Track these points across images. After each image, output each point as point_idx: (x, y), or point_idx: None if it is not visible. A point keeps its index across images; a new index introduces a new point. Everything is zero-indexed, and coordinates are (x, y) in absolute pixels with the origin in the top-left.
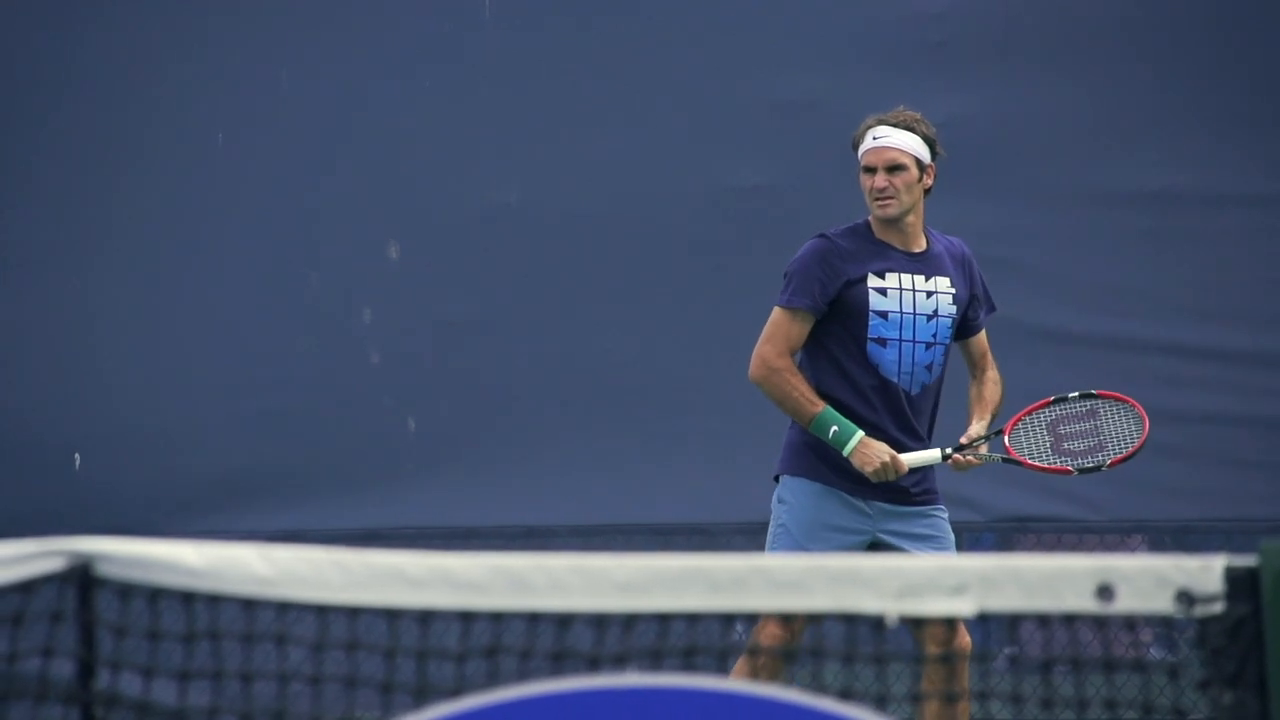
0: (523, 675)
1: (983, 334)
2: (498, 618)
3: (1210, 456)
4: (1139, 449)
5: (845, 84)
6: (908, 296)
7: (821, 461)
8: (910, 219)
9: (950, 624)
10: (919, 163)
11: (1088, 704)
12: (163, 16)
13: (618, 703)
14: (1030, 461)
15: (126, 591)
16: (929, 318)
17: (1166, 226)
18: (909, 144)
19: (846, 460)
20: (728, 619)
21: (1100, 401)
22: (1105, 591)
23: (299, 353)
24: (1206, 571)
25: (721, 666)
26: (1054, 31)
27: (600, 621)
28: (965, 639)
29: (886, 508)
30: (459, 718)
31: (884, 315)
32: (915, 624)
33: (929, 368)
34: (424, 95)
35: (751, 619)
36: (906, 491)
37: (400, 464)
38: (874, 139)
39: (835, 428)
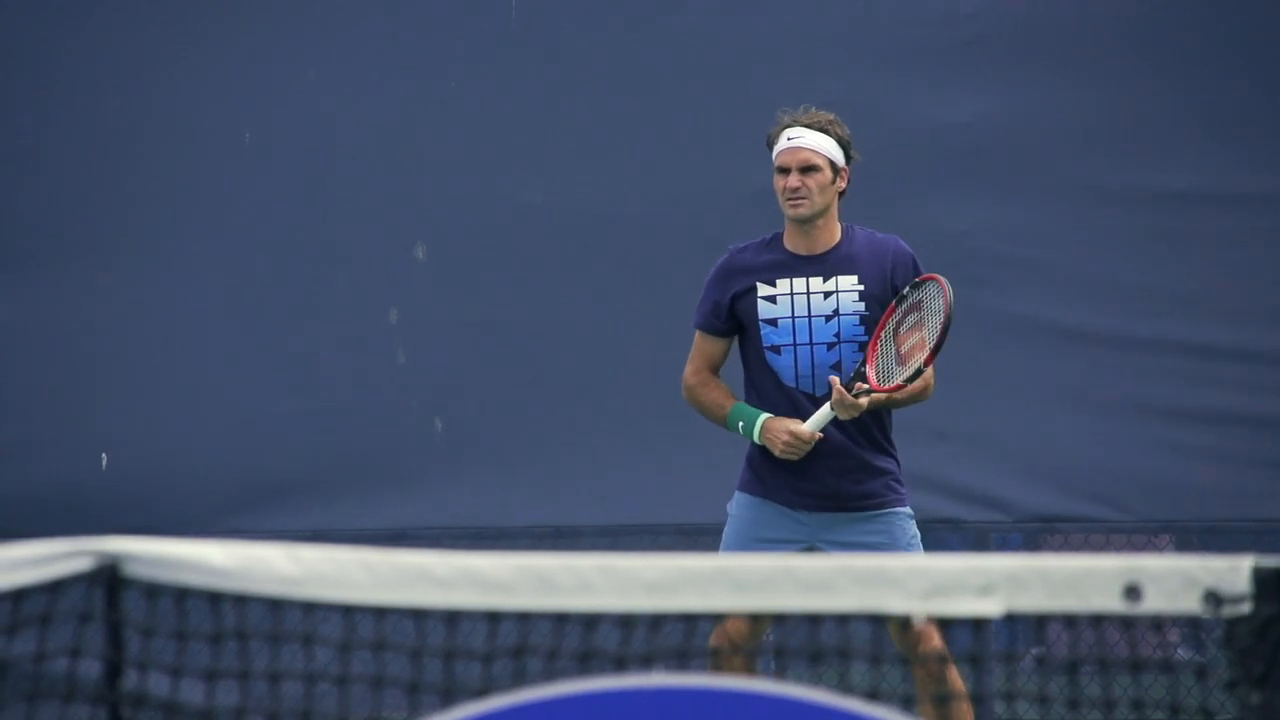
0: (549, 675)
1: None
2: (524, 618)
3: (1238, 456)
4: (943, 334)
5: (872, 83)
6: (800, 300)
7: (759, 475)
8: (820, 221)
9: (908, 624)
10: (833, 164)
11: (1115, 704)
12: (188, 15)
13: (644, 703)
14: (879, 386)
15: (154, 591)
16: (828, 318)
17: (1193, 226)
18: (823, 145)
19: (785, 470)
20: (755, 619)
21: (924, 287)
22: (1132, 592)
23: (325, 353)
24: (1234, 572)
25: (748, 666)
26: (1082, 32)
27: (627, 622)
28: (930, 640)
29: (825, 517)
30: (486, 718)
31: (773, 323)
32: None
33: (835, 367)
34: (450, 95)
35: (778, 619)
36: (844, 499)
37: (427, 464)
38: (788, 139)
39: (742, 422)
